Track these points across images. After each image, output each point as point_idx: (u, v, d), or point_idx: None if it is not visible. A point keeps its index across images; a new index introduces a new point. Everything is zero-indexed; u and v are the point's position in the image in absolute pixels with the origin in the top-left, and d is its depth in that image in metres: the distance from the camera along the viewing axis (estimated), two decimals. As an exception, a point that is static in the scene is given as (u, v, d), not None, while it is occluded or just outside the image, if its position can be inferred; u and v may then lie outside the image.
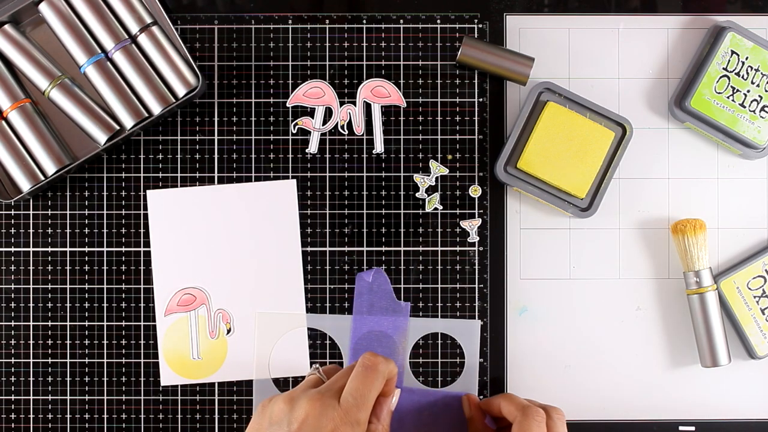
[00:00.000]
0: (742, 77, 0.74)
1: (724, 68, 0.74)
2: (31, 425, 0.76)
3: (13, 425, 0.76)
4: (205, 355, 0.77)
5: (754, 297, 0.75)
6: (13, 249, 0.77)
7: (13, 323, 0.76)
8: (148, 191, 0.77)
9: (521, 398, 0.71)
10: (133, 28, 0.75)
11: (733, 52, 0.74)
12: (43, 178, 0.74)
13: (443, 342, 0.76)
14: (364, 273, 0.75)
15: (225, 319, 0.76)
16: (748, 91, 0.75)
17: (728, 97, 0.74)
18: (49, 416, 0.76)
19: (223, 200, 0.77)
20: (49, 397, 0.76)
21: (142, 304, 0.77)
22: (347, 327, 0.71)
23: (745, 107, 0.75)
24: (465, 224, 0.77)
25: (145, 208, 0.77)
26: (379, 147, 0.77)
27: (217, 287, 0.77)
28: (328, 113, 0.77)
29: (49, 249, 0.77)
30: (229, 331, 0.77)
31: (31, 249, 0.77)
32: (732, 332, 0.76)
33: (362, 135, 0.77)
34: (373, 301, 0.75)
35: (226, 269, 0.77)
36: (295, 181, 0.77)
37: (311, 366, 0.72)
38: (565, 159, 0.74)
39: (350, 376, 0.66)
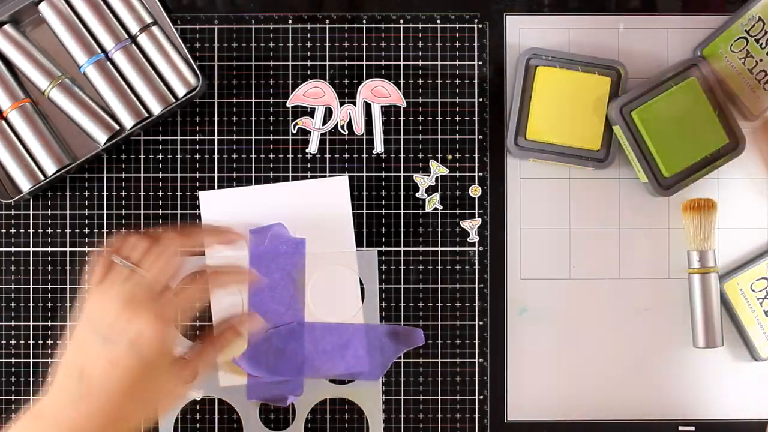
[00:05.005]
0: (760, 45, 0.74)
1: (746, 30, 0.74)
2: (31, 425, 0.76)
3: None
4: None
5: (758, 299, 0.75)
6: (13, 249, 0.77)
7: (13, 323, 0.77)
8: (200, 193, 0.76)
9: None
10: (133, 28, 0.75)
11: (760, 19, 0.73)
12: (43, 178, 0.74)
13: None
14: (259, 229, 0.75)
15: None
16: (761, 60, 0.74)
17: (741, 59, 0.74)
18: (49, 416, 0.76)
19: (274, 200, 0.76)
20: (49, 397, 0.76)
21: (141, 304, 0.77)
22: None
23: (752, 74, 0.74)
24: (465, 224, 0.77)
25: (145, 209, 0.77)
26: (379, 147, 0.77)
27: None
28: (328, 113, 0.77)
29: (49, 249, 0.77)
30: None
31: (31, 249, 0.77)
32: (735, 334, 0.76)
33: (362, 135, 0.77)
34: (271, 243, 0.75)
35: None
36: (347, 176, 0.77)
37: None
38: (570, 117, 0.74)
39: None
